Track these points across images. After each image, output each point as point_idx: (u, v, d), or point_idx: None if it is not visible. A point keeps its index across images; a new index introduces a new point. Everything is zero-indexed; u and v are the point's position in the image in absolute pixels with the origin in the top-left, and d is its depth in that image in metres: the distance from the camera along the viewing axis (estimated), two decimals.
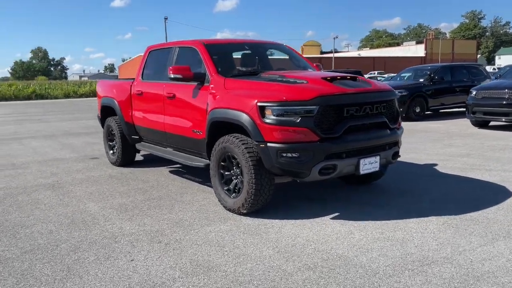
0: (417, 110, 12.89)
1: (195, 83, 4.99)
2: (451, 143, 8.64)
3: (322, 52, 79.57)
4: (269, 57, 6.24)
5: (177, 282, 3.00)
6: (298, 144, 3.88)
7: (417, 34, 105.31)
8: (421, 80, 13.63)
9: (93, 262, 3.34)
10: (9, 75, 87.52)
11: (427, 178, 5.80)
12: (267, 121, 3.94)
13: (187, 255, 3.43)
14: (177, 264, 3.27)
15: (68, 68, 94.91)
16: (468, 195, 4.93)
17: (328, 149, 3.94)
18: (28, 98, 33.25)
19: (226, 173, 4.51)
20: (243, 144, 4.18)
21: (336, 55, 68.58)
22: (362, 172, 4.15)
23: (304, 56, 6.92)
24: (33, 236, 3.93)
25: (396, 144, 4.60)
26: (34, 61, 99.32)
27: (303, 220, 4.19)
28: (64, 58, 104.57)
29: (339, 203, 4.72)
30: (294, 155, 3.88)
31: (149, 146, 6.26)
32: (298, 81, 4.31)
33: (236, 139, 4.25)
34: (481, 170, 6.15)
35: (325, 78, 4.27)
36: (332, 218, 4.23)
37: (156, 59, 6.17)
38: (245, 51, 5.75)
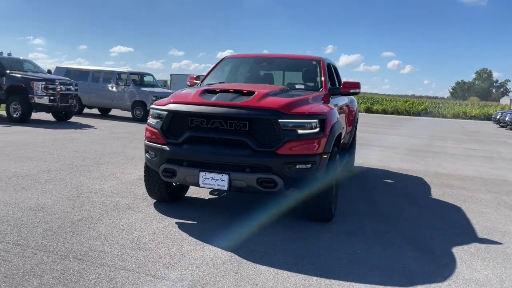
0: None
1: None
2: None
3: None
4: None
5: None
6: (151, 144, 4.22)
7: None
8: None
9: None
10: (449, 94, 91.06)
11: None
12: (148, 121, 4.39)
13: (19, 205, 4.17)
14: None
15: (511, 91, 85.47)
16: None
17: (167, 153, 4.04)
18: (417, 114, 36.32)
19: None
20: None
21: None
22: (202, 185, 3.94)
23: None
24: (9, 175, 5.37)
25: (269, 171, 3.78)
26: (476, 82, 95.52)
27: (174, 219, 4.19)
28: (508, 80, 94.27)
29: (227, 222, 4.22)
30: (150, 152, 4.22)
31: None
32: (193, 91, 4.38)
33: None
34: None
35: (206, 89, 4.29)
36: (194, 233, 3.89)
37: None
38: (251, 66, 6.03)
